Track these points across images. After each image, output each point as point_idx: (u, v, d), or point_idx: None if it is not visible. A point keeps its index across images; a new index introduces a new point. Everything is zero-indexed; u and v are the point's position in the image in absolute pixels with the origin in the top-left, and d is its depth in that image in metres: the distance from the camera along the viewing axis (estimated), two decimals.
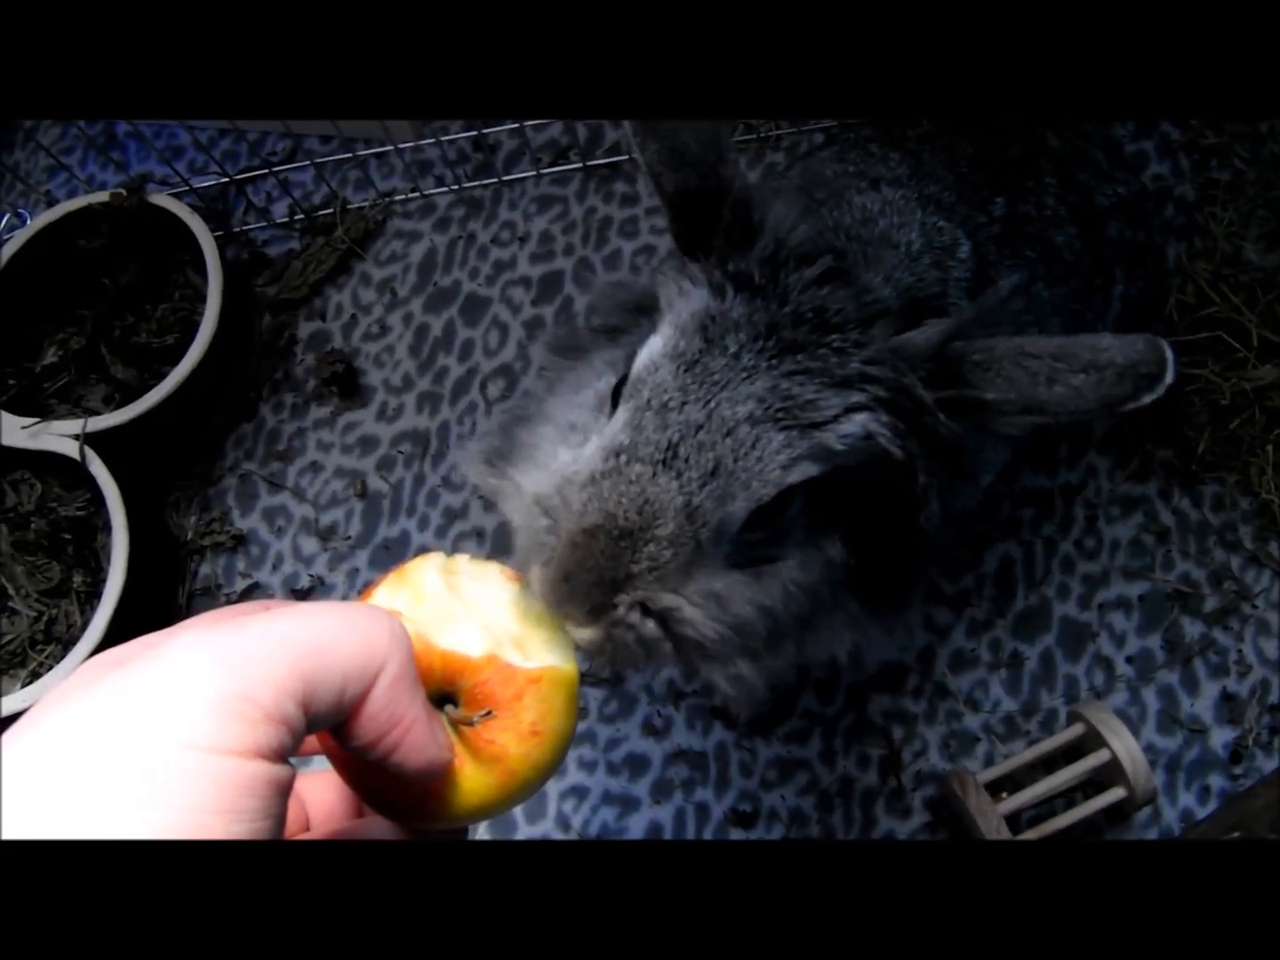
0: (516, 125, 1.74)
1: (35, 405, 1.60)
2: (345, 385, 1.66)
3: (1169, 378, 0.71)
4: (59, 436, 1.51)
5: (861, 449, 0.77)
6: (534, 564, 0.74)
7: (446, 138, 1.76)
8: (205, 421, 1.65)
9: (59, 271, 1.65)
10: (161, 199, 1.62)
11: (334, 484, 1.64)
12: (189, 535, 1.62)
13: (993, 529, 1.54)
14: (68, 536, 1.53)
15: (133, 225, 1.64)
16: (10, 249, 1.62)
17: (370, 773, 0.59)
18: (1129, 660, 1.46)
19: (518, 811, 1.45)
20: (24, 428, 1.52)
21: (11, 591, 1.52)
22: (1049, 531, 1.53)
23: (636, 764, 1.48)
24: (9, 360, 1.62)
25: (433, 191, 1.77)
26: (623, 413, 0.76)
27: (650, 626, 0.75)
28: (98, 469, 1.49)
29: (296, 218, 1.77)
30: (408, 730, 0.54)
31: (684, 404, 0.74)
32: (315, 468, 1.66)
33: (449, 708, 0.64)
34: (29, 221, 1.63)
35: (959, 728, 1.45)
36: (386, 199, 1.76)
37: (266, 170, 1.75)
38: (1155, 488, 1.53)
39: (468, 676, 0.62)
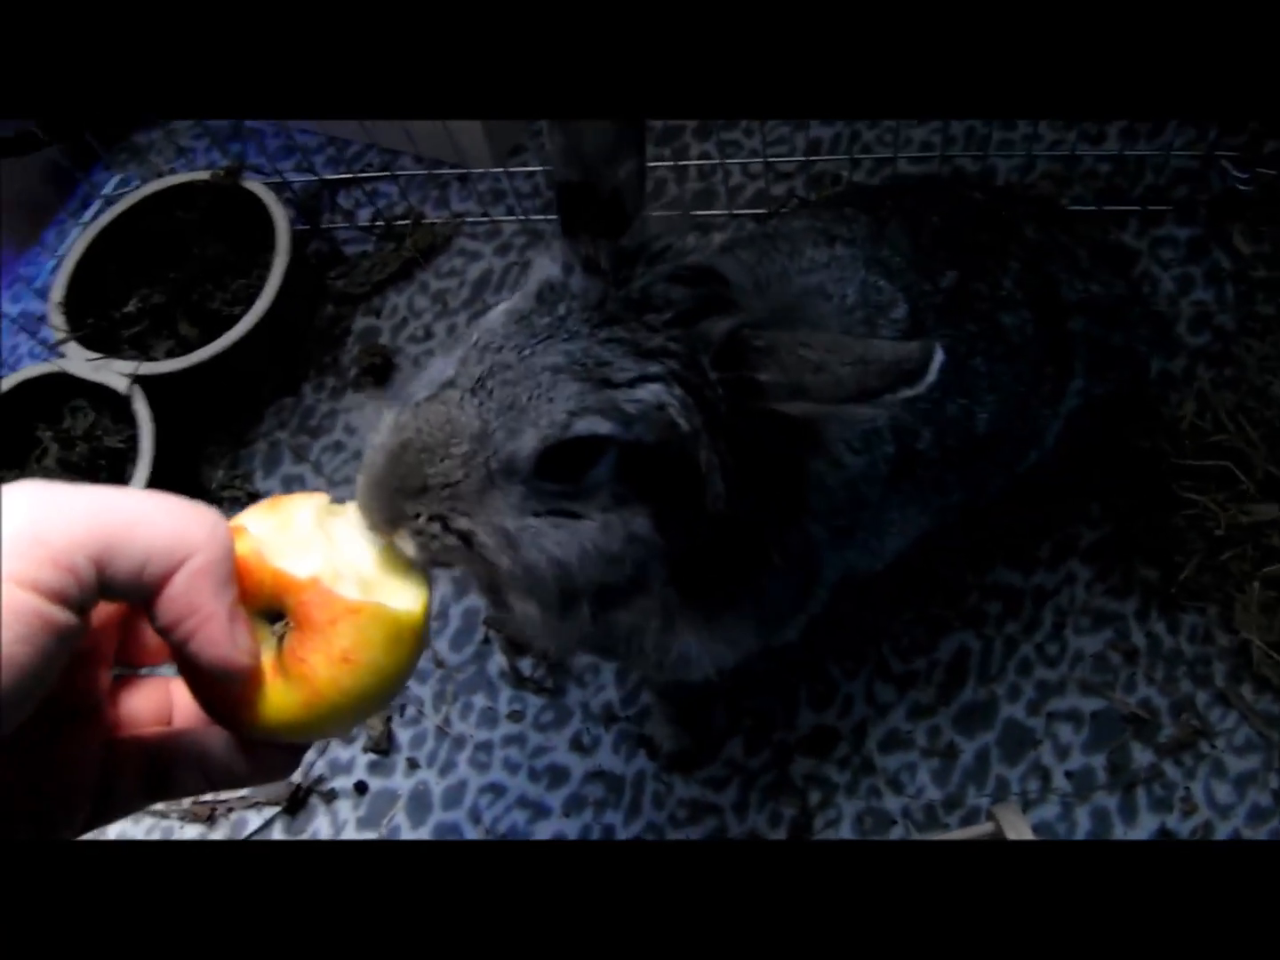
0: None
1: (108, 346, 1.77)
2: (381, 378, 1.78)
3: (930, 377, 0.73)
4: (117, 374, 1.68)
5: (656, 420, 0.80)
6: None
7: (524, 169, 1.89)
8: (251, 387, 1.80)
9: (157, 235, 1.84)
10: (252, 184, 1.80)
11: (351, 466, 1.75)
12: (213, 486, 1.75)
13: (954, 616, 1.51)
14: (103, 463, 1.68)
15: (226, 204, 1.83)
16: (119, 208, 1.82)
17: (187, 670, 0.64)
18: (1068, 775, 1.41)
19: (434, 795, 1.50)
20: (88, 359, 1.70)
21: None
22: (1012, 630, 1.50)
23: (557, 775, 1.50)
24: (96, 303, 1.80)
25: (501, 219, 1.91)
26: (456, 351, 0.83)
27: (451, 540, 0.79)
28: (140, 406, 1.64)
29: (376, 224, 1.92)
30: (204, 622, 0.59)
31: (502, 348, 0.80)
32: (338, 447, 1.78)
33: (279, 624, 0.68)
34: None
35: (877, 805, 1.42)
36: (458, 219, 1.91)
37: (350, 176, 1.91)
38: (1133, 606, 1.48)
39: (292, 596, 0.66)
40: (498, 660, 1.58)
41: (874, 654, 1.51)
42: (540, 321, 0.81)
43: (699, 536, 0.88)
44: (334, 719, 0.68)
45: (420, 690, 1.58)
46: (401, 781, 1.53)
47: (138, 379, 1.67)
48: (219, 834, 1.52)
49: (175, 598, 0.58)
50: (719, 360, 0.81)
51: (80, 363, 1.69)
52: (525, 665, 1.57)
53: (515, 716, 1.55)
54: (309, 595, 0.66)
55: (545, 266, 0.86)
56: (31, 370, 1.71)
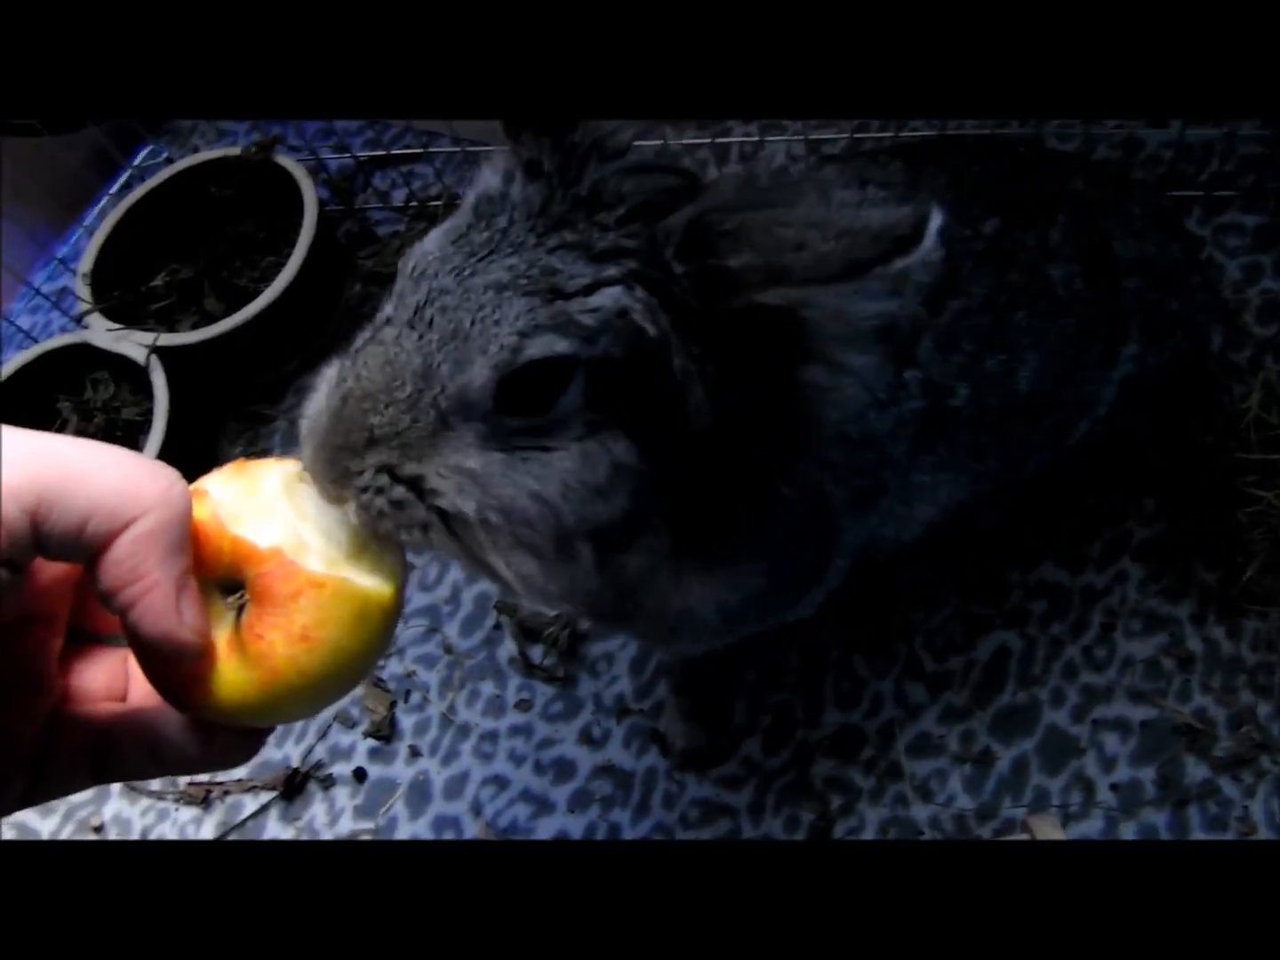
0: None
1: (134, 319, 1.75)
2: None
3: (927, 243, 0.64)
4: (137, 345, 1.65)
5: (619, 328, 0.71)
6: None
7: None
8: (273, 364, 1.76)
9: (189, 211, 1.82)
10: (284, 159, 1.78)
11: None
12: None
13: (995, 614, 1.41)
14: (119, 434, 1.65)
15: (260, 181, 1.80)
16: (152, 183, 1.81)
17: (134, 642, 0.59)
18: (1114, 788, 1.29)
19: (435, 786, 1.42)
20: (109, 330, 1.67)
21: None
22: (1058, 631, 1.39)
23: (563, 769, 1.42)
24: (124, 276, 1.79)
25: None
26: (395, 285, 0.75)
27: (400, 491, 0.71)
28: (157, 378, 1.61)
29: (410, 204, 1.89)
30: (148, 590, 0.54)
31: (438, 272, 0.72)
32: None
33: (236, 595, 0.63)
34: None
35: (903, 814, 1.32)
36: None
37: (385, 154, 1.88)
38: (1188, 610, 1.36)
39: (252, 566, 0.62)
40: (508, 647, 1.50)
41: (906, 651, 1.41)
42: (478, 238, 0.72)
43: (691, 461, 0.79)
44: (291, 702, 0.64)
45: (427, 676, 1.51)
46: (402, 770, 1.45)
47: (157, 350, 1.63)
48: (214, 817, 1.45)
49: (118, 561, 0.53)
50: (683, 252, 0.71)
51: (102, 334, 1.67)
52: (536, 653, 1.49)
53: (523, 706, 1.47)
54: (270, 566, 0.61)
55: (484, 178, 0.77)
56: (54, 342, 1.69)
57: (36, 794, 0.62)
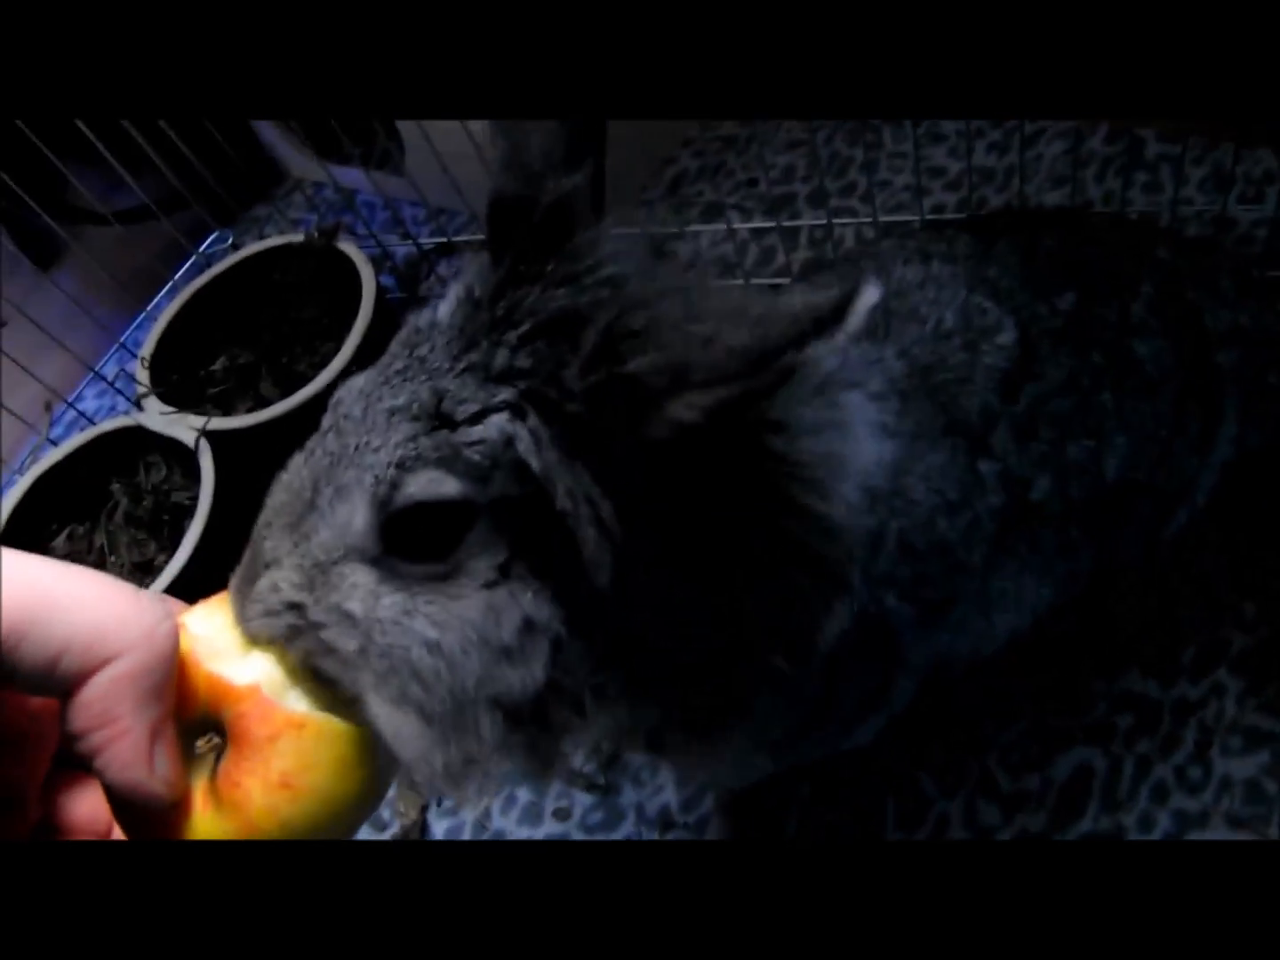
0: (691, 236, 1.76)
1: (192, 404, 1.74)
2: None
3: (856, 318, 0.52)
4: (188, 429, 1.64)
5: (507, 462, 0.61)
6: None
7: None
8: None
9: (252, 297, 1.83)
10: (346, 246, 1.77)
11: None
12: None
13: (1075, 727, 1.28)
14: (166, 518, 1.63)
15: (323, 269, 1.80)
16: (216, 269, 1.83)
17: (105, 789, 0.55)
18: None
19: None
20: (162, 414, 1.66)
21: (111, 558, 1.64)
22: (1146, 749, 1.25)
23: None
24: (185, 361, 1.79)
25: None
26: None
27: (275, 603, 0.62)
28: (205, 461, 1.59)
29: None
30: (117, 738, 0.50)
31: (353, 400, 0.65)
32: None
33: (209, 736, 0.59)
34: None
35: None
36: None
37: (447, 240, 1.87)
38: None
39: (229, 706, 0.57)
40: None
41: (977, 767, 1.29)
42: (397, 365, 0.64)
43: (631, 618, 0.67)
44: None
45: None
46: None
47: (209, 435, 1.62)
48: None
49: (88, 704, 0.48)
50: (589, 364, 0.60)
51: (155, 416, 1.66)
52: (577, 759, 1.41)
53: (561, 815, 1.38)
54: (247, 706, 0.57)
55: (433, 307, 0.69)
56: (108, 424, 1.69)
57: None
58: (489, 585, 0.62)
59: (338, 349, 1.77)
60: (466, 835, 1.38)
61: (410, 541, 0.62)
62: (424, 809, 1.41)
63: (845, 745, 1.02)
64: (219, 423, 1.64)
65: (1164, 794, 1.23)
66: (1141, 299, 1.03)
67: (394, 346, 0.67)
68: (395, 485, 0.60)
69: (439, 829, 1.40)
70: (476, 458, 0.61)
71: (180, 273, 2.07)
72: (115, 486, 1.67)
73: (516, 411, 0.61)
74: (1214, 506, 1.11)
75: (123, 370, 1.93)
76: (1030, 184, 1.71)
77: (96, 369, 1.91)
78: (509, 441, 0.61)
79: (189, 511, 1.63)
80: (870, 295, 0.52)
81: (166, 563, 1.59)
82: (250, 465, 1.63)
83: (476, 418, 0.61)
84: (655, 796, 1.37)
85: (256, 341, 1.82)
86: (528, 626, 0.63)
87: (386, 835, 1.40)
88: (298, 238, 1.81)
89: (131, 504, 1.65)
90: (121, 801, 0.53)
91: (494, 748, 0.66)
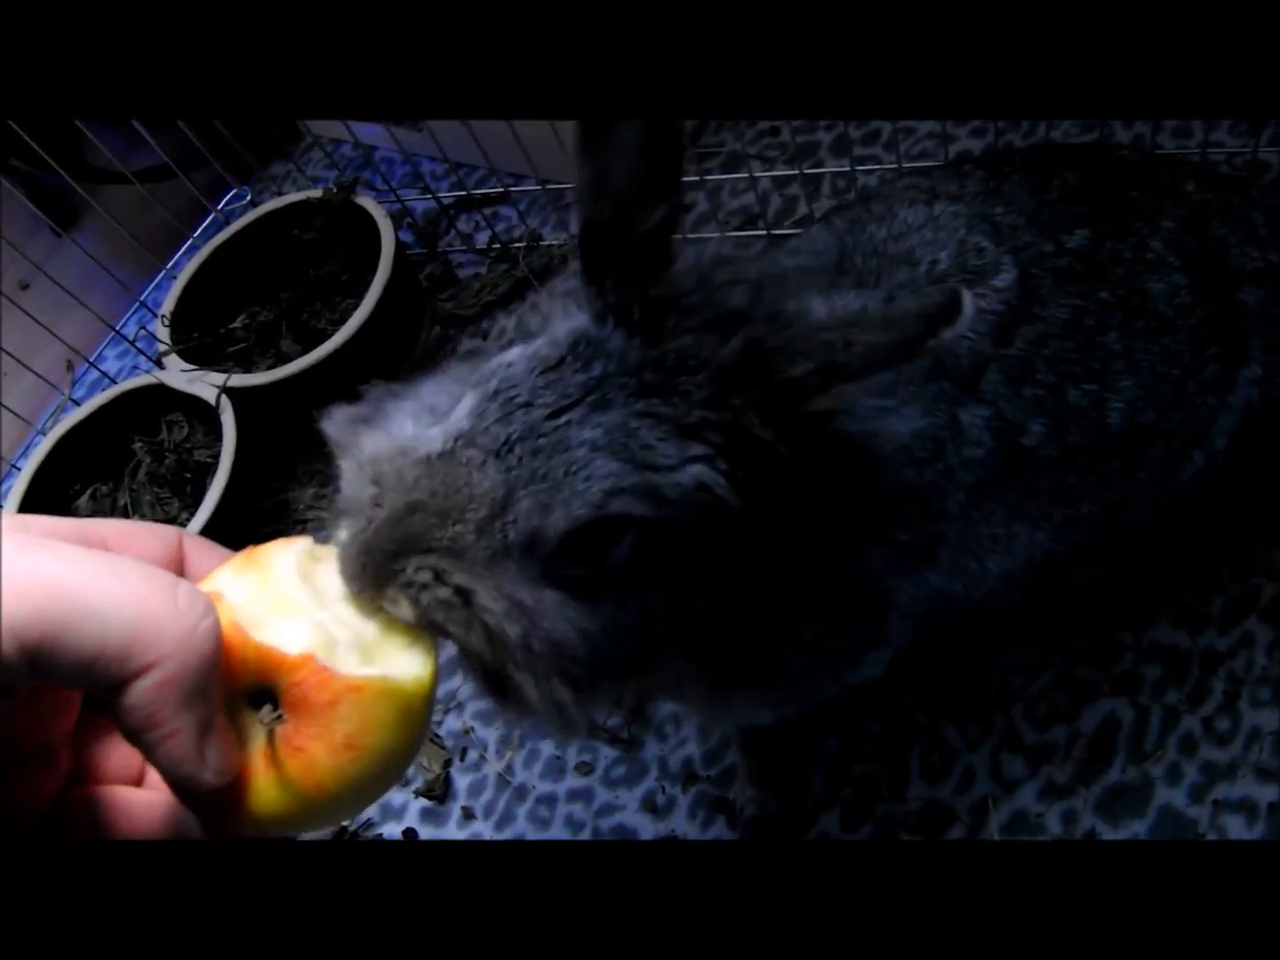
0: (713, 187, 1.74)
1: (213, 361, 1.75)
2: None
3: (967, 311, 0.65)
4: (210, 386, 1.64)
5: (695, 500, 0.73)
6: (345, 527, 0.70)
7: None
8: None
9: (272, 254, 1.82)
10: (365, 201, 1.76)
11: None
12: (299, 505, 1.68)
13: (1103, 680, 1.27)
14: (188, 476, 1.64)
15: (342, 224, 1.79)
16: (235, 227, 1.82)
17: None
18: None
19: None
20: (183, 371, 1.66)
21: (135, 517, 1.64)
22: (1174, 700, 1.24)
23: (623, 838, 1.32)
24: (206, 318, 1.79)
25: None
26: (469, 399, 0.73)
27: (445, 593, 0.68)
28: (226, 418, 1.59)
29: (493, 247, 1.85)
30: (166, 738, 0.50)
31: (530, 404, 0.71)
32: None
33: (265, 709, 0.59)
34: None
35: None
36: (575, 239, 1.80)
37: (466, 194, 1.85)
38: None
39: (283, 675, 0.58)
40: None
41: (1003, 720, 1.28)
42: (573, 379, 0.72)
43: (721, 608, 0.82)
44: (335, 811, 0.61)
45: (485, 733, 1.43)
46: (454, 833, 1.37)
47: (229, 392, 1.62)
48: None
49: (134, 708, 0.48)
50: (741, 379, 0.73)
51: (177, 375, 1.66)
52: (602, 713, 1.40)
53: (584, 769, 1.38)
54: (303, 675, 0.57)
55: (571, 314, 0.77)
56: (130, 383, 1.69)
57: None
58: (625, 585, 0.74)
59: (357, 305, 1.76)
60: (489, 790, 1.39)
61: (575, 549, 0.71)
62: (447, 763, 1.42)
63: (857, 677, 1.04)
64: (240, 380, 1.63)
65: (1192, 745, 1.21)
66: (1161, 234, 1.01)
67: (556, 348, 0.74)
68: (599, 507, 0.70)
69: (461, 784, 1.40)
70: (671, 494, 0.72)
71: (200, 231, 2.07)
72: (138, 445, 1.67)
73: (709, 462, 0.73)
74: (1240, 451, 1.09)
75: (143, 329, 1.93)
76: (1057, 129, 1.67)
77: (117, 328, 1.90)
78: (702, 486, 0.73)
79: (211, 469, 1.63)
80: (968, 302, 0.65)
81: (189, 520, 1.61)
82: (271, 421, 1.64)
83: (676, 467, 0.72)
84: (678, 750, 1.36)
85: (276, 298, 1.82)
86: (647, 617, 0.77)
87: (409, 791, 1.41)
88: (316, 194, 1.79)
89: (154, 462, 1.66)
90: (179, 789, 0.54)
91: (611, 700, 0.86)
